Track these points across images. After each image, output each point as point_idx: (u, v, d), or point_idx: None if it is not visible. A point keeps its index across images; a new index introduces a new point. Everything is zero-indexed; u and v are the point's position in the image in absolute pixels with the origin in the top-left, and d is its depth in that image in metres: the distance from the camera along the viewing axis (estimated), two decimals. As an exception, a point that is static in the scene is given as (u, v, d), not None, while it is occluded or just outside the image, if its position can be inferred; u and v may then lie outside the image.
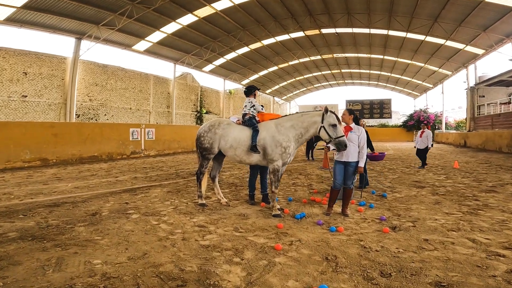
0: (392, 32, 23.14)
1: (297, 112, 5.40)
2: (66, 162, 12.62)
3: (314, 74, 40.84)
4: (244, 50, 27.78)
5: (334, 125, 4.76)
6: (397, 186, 7.68)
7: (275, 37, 25.88)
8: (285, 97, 51.10)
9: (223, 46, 25.43)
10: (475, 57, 23.87)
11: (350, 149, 4.87)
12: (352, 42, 27.46)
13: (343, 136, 4.74)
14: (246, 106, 5.65)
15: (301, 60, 33.53)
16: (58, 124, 13.78)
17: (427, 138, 11.13)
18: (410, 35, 22.87)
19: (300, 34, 25.54)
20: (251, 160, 5.31)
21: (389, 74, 37.20)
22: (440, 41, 22.52)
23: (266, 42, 26.85)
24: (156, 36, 21.95)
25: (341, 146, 4.70)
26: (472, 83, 27.13)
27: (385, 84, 44.45)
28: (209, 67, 29.91)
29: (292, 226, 4.48)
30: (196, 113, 30.80)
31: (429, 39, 22.63)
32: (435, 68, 30.11)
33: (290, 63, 34.01)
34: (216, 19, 21.17)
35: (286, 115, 5.44)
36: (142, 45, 22.62)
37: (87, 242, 3.78)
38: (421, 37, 22.69)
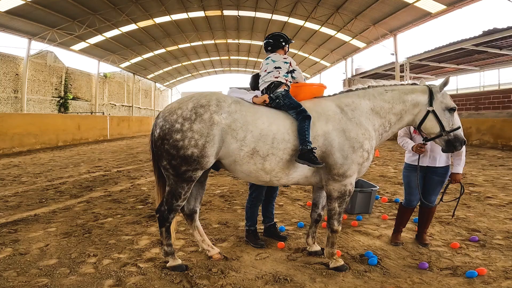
0: (292, 20, 23.15)
1: (369, 86, 3.07)
2: None
3: (202, 59, 38.63)
4: (130, 27, 23.08)
5: (452, 110, 2.99)
6: (381, 185, 6.81)
7: (171, 15, 22.33)
8: (167, 83, 47.30)
9: (104, 21, 20.26)
10: (356, 50, 26.57)
11: (436, 148, 3.35)
12: (250, 27, 26.54)
13: (460, 127, 3.01)
14: (279, 68, 3.00)
15: (193, 44, 30.71)
16: None
17: None
18: (308, 24, 23.43)
19: (200, 14, 22.86)
20: (290, 179, 2.87)
21: (275, 63, 38.42)
22: (332, 32, 23.87)
23: (159, 20, 22.95)
24: (7, 3, 15.42)
25: (459, 144, 2.95)
26: (349, 75, 30.48)
27: (269, 73, 46.13)
28: (81, 45, 23.75)
29: (402, 286, 2.72)
30: (58, 99, 24.62)
31: (323, 29, 23.71)
32: (317, 59, 32.54)
33: (180, 46, 30.74)
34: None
35: (349, 90, 3.14)
36: (-20, 13, 15.59)
37: None
38: (316, 26, 23.50)
